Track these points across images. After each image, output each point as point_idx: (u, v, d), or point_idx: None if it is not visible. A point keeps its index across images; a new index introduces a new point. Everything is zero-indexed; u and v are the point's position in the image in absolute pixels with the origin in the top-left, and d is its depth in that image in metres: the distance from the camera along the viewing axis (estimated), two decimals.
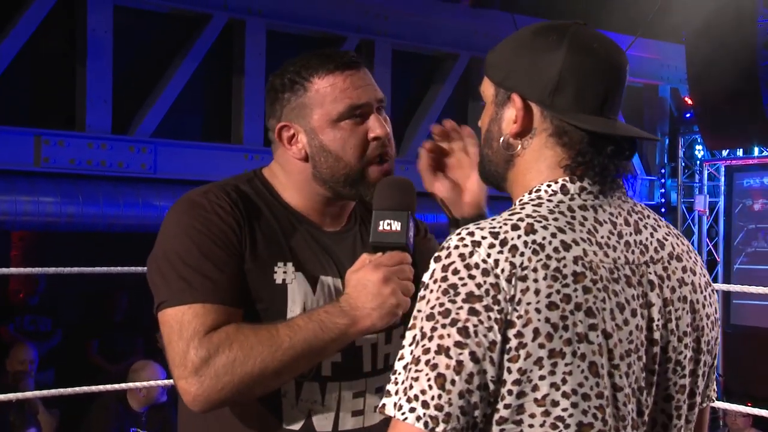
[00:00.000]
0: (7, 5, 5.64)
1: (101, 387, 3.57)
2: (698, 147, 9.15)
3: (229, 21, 6.45)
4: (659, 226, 1.24)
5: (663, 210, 9.17)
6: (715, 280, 8.90)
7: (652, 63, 8.77)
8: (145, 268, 1.51)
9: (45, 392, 3.71)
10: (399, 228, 1.42)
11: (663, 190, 9.15)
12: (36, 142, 5.63)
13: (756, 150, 8.72)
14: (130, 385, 4.08)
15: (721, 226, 9.07)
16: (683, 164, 9.13)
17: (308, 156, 1.54)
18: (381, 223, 1.43)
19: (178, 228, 1.49)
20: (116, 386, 3.72)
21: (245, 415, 1.51)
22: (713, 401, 1.32)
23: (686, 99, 8.76)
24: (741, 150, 8.86)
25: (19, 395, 3.84)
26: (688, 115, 8.91)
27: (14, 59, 5.60)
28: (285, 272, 1.51)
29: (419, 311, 1.10)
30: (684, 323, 1.20)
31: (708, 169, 9.09)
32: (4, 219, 5.51)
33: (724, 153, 8.94)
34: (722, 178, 9.06)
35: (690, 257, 1.25)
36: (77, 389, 3.38)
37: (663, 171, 9.16)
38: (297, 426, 1.52)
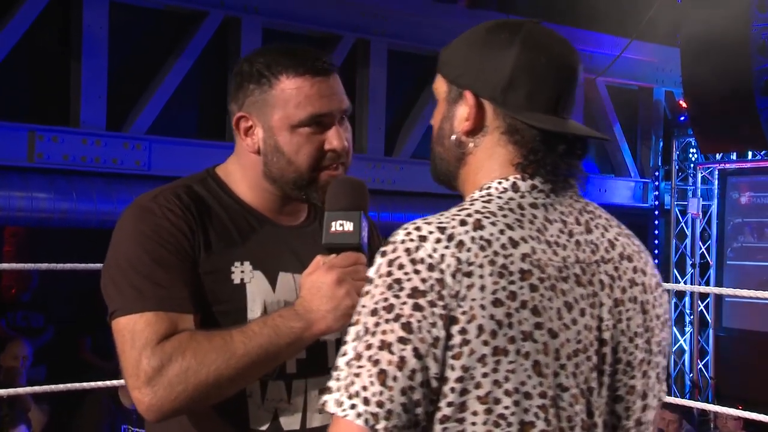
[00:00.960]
0: (2, 1, 5.62)
1: (93, 384, 3.57)
2: (692, 150, 9.16)
3: (225, 18, 6.44)
4: (610, 226, 1.23)
5: (656, 213, 9.19)
6: (707, 283, 8.92)
7: (647, 66, 8.78)
8: None
9: (37, 388, 3.70)
10: (351, 228, 1.40)
11: (657, 193, 9.16)
12: (30, 137, 5.61)
13: (749, 154, 8.74)
14: (122, 381, 4.06)
15: (714, 229, 9.09)
16: (677, 167, 9.14)
17: (260, 151, 1.53)
18: (333, 224, 1.41)
19: (128, 235, 1.47)
20: (108, 383, 3.72)
21: (211, 418, 1.49)
22: (662, 401, 1.30)
23: (681, 102, 8.77)
24: (735, 154, 8.88)
25: (11, 391, 3.83)
26: (682, 118, 8.93)
27: (9, 54, 5.58)
28: (243, 271, 1.50)
29: (363, 306, 1.09)
30: (635, 324, 1.18)
31: (702, 173, 9.11)
32: None
33: (718, 156, 8.96)
34: (716, 182, 9.09)
35: (641, 258, 1.24)
36: (69, 386, 3.37)
37: (657, 174, 9.18)
38: (264, 426, 1.50)
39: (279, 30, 6.72)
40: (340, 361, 1.08)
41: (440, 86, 1.25)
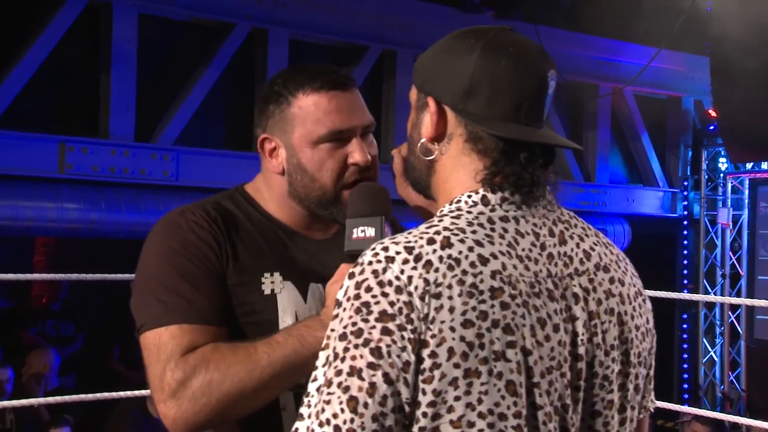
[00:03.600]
0: (34, 14, 5.70)
1: (121, 393, 3.59)
2: (722, 160, 9.07)
3: (252, 30, 6.49)
4: (587, 236, 1.19)
5: (685, 223, 9.10)
6: (738, 294, 8.81)
7: (676, 75, 8.71)
8: None
9: (66, 398, 3.73)
10: (373, 234, 1.36)
11: (686, 203, 9.08)
12: (60, 149, 5.68)
13: None
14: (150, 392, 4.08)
15: (745, 239, 8.98)
16: (706, 177, 9.05)
17: (285, 171, 1.53)
18: (354, 230, 1.37)
19: (156, 249, 1.48)
20: (135, 393, 3.73)
21: (244, 430, 1.48)
22: (651, 411, 1.28)
23: (710, 111, 8.69)
24: (765, 163, 8.77)
25: (41, 400, 3.86)
26: (711, 128, 8.84)
27: (40, 67, 5.65)
28: (273, 282, 1.49)
29: (332, 330, 1.06)
30: (611, 336, 1.15)
31: (732, 182, 9.01)
32: (28, 225, 5.56)
33: (748, 166, 8.86)
34: (746, 191, 8.98)
35: (619, 267, 1.20)
36: (97, 395, 3.39)
37: (686, 183, 9.10)
38: None
39: (305, 41, 6.75)
40: (311, 387, 1.05)
41: (412, 94, 1.24)
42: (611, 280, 1.18)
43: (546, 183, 1.17)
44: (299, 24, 6.62)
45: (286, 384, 1.42)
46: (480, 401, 1.04)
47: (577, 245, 1.17)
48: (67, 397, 3.72)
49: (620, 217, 8.34)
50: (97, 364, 6.43)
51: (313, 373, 1.06)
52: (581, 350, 1.12)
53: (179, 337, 1.40)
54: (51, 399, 4.19)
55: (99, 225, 5.75)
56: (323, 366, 1.05)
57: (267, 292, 1.49)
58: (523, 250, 1.11)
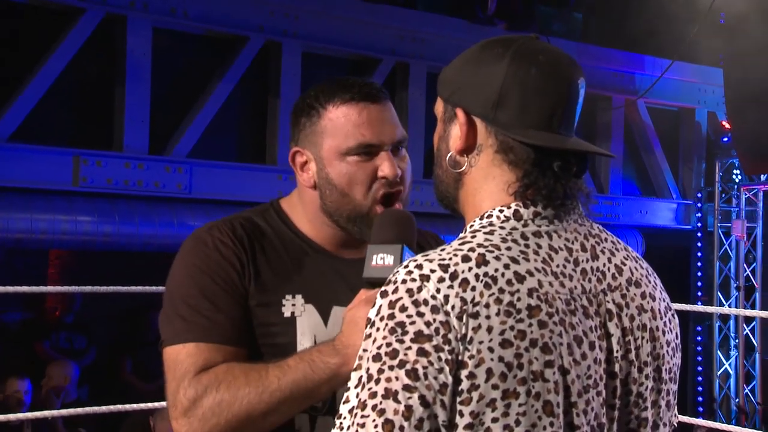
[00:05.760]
0: (49, 28, 5.74)
1: (134, 405, 3.59)
2: (736, 171, 9.03)
3: (266, 43, 6.51)
4: (617, 250, 1.17)
5: (699, 234, 9.05)
6: (753, 307, 8.75)
7: (689, 86, 8.69)
8: None
9: (79, 410, 3.74)
10: (392, 262, 1.34)
11: (699, 215, 9.03)
12: (74, 161, 5.71)
13: None
14: (161, 404, 4.08)
15: (759, 251, 8.92)
16: (720, 188, 9.01)
17: (316, 185, 1.51)
18: (374, 257, 1.36)
19: (182, 266, 1.49)
20: (148, 405, 3.74)
21: None
22: (675, 426, 1.25)
23: (723, 123, 8.66)
24: None
25: (54, 413, 3.87)
26: (725, 139, 8.81)
27: (55, 80, 5.69)
28: (294, 305, 1.48)
29: (365, 351, 1.03)
30: (644, 352, 1.13)
31: (746, 194, 8.97)
32: (42, 237, 5.58)
33: (763, 177, 8.81)
34: (761, 203, 8.93)
35: (649, 282, 1.18)
36: (111, 408, 3.39)
37: (699, 195, 9.06)
38: None
39: (319, 54, 6.78)
40: (343, 409, 1.03)
41: (438, 106, 1.22)
42: (643, 295, 1.16)
43: (578, 194, 1.15)
44: (312, 36, 6.65)
45: (296, 409, 1.41)
46: (518, 422, 1.01)
47: (609, 260, 1.15)
48: (80, 410, 3.73)
49: (633, 229, 8.31)
50: (110, 377, 6.44)
51: (345, 394, 1.04)
52: (616, 368, 1.11)
53: (195, 356, 1.40)
54: (64, 411, 4.20)
55: (113, 237, 5.77)
56: (356, 387, 1.02)
57: (287, 314, 1.48)
58: (558, 266, 1.09)
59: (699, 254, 9.08)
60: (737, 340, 8.94)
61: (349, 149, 1.47)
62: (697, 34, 7.03)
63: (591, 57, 7.73)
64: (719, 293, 8.99)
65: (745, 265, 8.95)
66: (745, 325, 8.87)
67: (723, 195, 9.05)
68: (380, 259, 1.35)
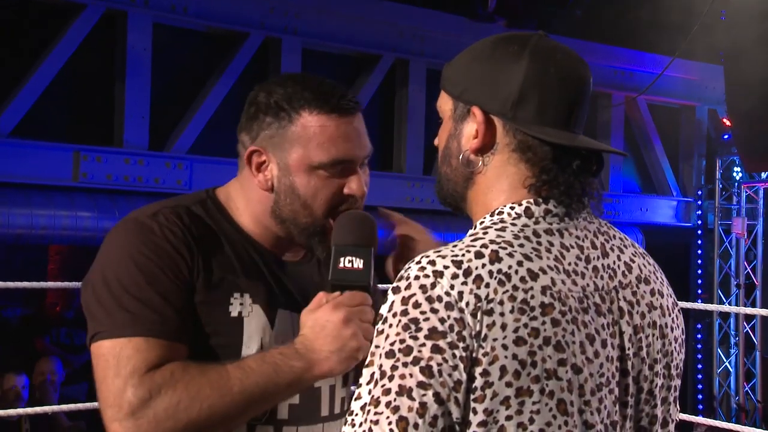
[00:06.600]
0: (49, 23, 5.74)
1: None
2: (736, 169, 9.03)
3: (266, 39, 6.51)
4: (625, 247, 1.17)
5: (699, 232, 9.06)
6: (753, 304, 8.76)
7: (690, 84, 8.69)
8: None
9: (79, 405, 3.74)
10: (362, 266, 1.29)
11: (700, 212, 9.04)
12: (75, 157, 5.71)
13: None
14: None
15: (760, 248, 8.92)
16: (720, 186, 9.01)
17: (273, 189, 1.41)
18: (342, 259, 1.30)
19: (122, 252, 1.35)
20: None
21: None
22: (676, 420, 1.25)
23: (724, 120, 8.66)
24: None
25: (55, 408, 3.88)
26: (725, 137, 8.81)
27: (55, 76, 5.69)
28: (241, 304, 1.38)
29: (377, 347, 1.02)
30: (654, 350, 1.13)
31: (746, 191, 8.97)
32: (42, 233, 5.59)
33: (763, 175, 8.82)
34: (761, 201, 8.93)
35: (657, 278, 1.18)
36: None
37: (700, 193, 9.06)
38: None
39: (319, 50, 6.78)
40: (355, 405, 1.01)
41: (445, 104, 1.19)
42: (652, 292, 1.16)
43: (594, 193, 1.14)
44: (312, 33, 6.65)
45: (255, 412, 1.34)
46: (531, 421, 1.01)
47: (618, 257, 1.14)
48: (80, 405, 3.74)
49: (633, 227, 8.31)
50: None
51: (357, 391, 1.02)
52: (628, 365, 1.10)
53: (145, 351, 1.28)
54: (65, 406, 4.20)
55: None
56: (368, 384, 1.01)
57: (234, 314, 1.38)
58: (570, 264, 1.08)
59: (699, 252, 9.09)
60: (737, 338, 8.95)
61: (321, 163, 1.38)
62: (698, 31, 7.02)
63: (591, 54, 7.73)
64: (719, 291, 9.00)
65: (745, 262, 8.95)
66: (745, 323, 8.87)
67: (723, 192, 9.05)
68: (348, 261, 1.30)
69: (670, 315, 1.17)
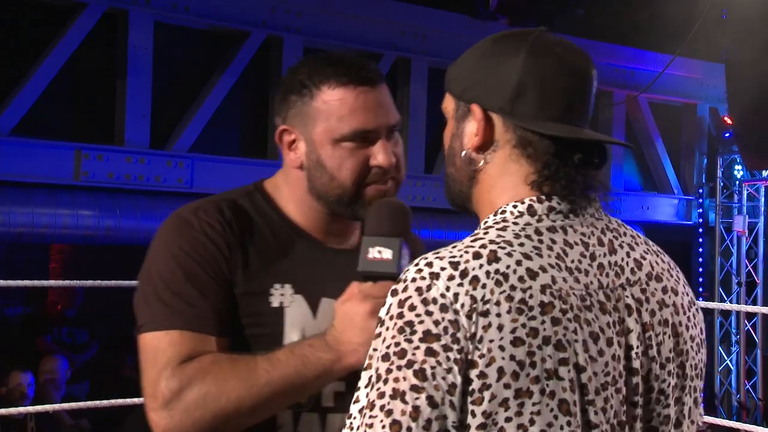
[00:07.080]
0: (51, 22, 5.74)
1: (135, 400, 3.59)
2: (737, 167, 9.03)
3: (267, 38, 6.51)
4: (637, 244, 1.15)
5: (700, 230, 9.05)
6: (754, 302, 8.75)
7: (691, 82, 8.68)
8: None
9: (81, 404, 3.75)
10: (390, 257, 1.28)
11: (701, 210, 9.03)
12: (76, 156, 5.71)
13: None
14: None
15: (761, 247, 8.92)
16: (722, 184, 9.01)
17: (304, 166, 1.43)
18: (371, 250, 1.29)
19: (164, 248, 1.40)
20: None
21: None
22: (699, 425, 1.23)
23: (725, 118, 8.66)
24: None
25: (56, 407, 3.88)
26: (727, 135, 8.80)
27: (56, 75, 5.69)
28: (282, 294, 1.41)
29: (375, 350, 1.01)
30: (666, 348, 1.11)
31: (747, 189, 8.96)
32: (44, 231, 5.59)
33: (764, 173, 8.81)
34: (762, 199, 8.92)
35: (671, 275, 1.16)
36: (113, 402, 3.40)
37: (701, 191, 9.05)
38: None
39: (320, 49, 6.77)
40: (353, 409, 1.01)
41: (448, 104, 1.19)
42: (664, 290, 1.14)
43: (598, 186, 1.13)
44: (314, 32, 6.65)
45: (284, 404, 1.36)
46: (532, 422, 0.99)
47: (627, 254, 1.13)
48: (81, 404, 3.74)
49: (635, 225, 8.30)
50: (112, 372, 6.44)
51: (356, 394, 1.02)
52: (636, 364, 1.08)
53: (179, 345, 1.33)
54: (66, 405, 4.21)
55: (114, 232, 5.78)
56: (366, 387, 1.01)
57: (275, 304, 1.40)
58: (573, 261, 1.07)
59: (700, 250, 9.08)
60: (738, 336, 8.94)
61: (343, 135, 1.39)
62: (699, 29, 7.02)
63: (592, 52, 7.54)
64: (720, 289, 8.99)
65: (746, 260, 8.95)
66: (746, 321, 8.87)
67: (725, 191, 9.04)
68: (377, 252, 1.29)
69: (685, 314, 1.15)
